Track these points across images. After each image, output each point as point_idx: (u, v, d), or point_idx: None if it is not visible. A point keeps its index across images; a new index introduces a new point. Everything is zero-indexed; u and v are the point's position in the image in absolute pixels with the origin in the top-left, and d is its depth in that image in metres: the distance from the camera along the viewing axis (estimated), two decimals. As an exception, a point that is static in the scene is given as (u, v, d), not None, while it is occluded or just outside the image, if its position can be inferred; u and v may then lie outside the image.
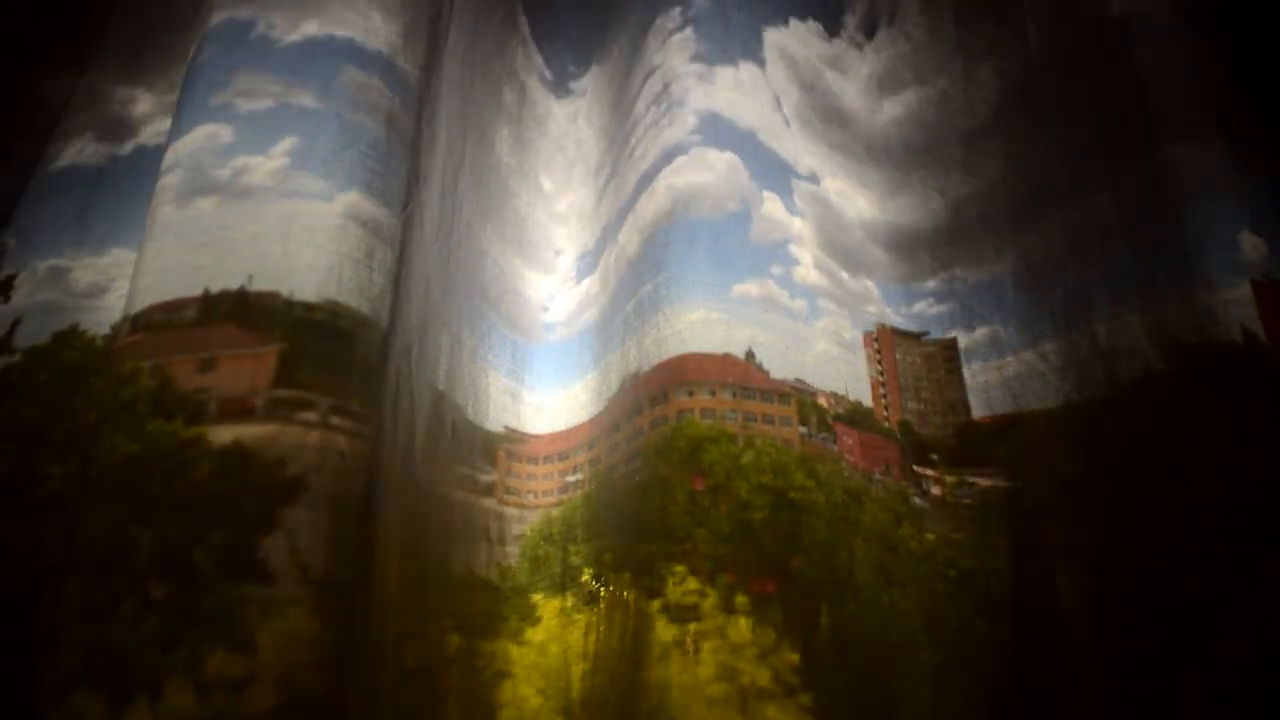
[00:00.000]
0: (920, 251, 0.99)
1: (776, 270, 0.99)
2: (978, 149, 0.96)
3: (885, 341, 1.01)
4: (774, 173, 1.04)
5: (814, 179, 1.06)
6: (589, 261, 1.10)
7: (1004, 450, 0.90)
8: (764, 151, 1.04)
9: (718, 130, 1.03)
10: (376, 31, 0.96)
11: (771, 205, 1.02)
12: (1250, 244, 0.89)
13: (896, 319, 1.01)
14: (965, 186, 0.96)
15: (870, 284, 1.03)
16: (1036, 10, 0.96)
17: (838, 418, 0.96)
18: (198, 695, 0.75)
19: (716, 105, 1.04)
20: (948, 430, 0.97)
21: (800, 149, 1.07)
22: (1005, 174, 0.94)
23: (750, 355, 0.95)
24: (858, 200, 1.05)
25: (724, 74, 1.06)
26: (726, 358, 0.94)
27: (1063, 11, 0.96)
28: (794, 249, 1.01)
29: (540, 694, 0.85)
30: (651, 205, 1.01)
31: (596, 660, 0.85)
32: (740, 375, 0.95)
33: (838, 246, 1.03)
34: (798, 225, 1.02)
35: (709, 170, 1.01)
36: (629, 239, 1.03)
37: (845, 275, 1.02)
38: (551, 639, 0.88)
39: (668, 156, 1.02)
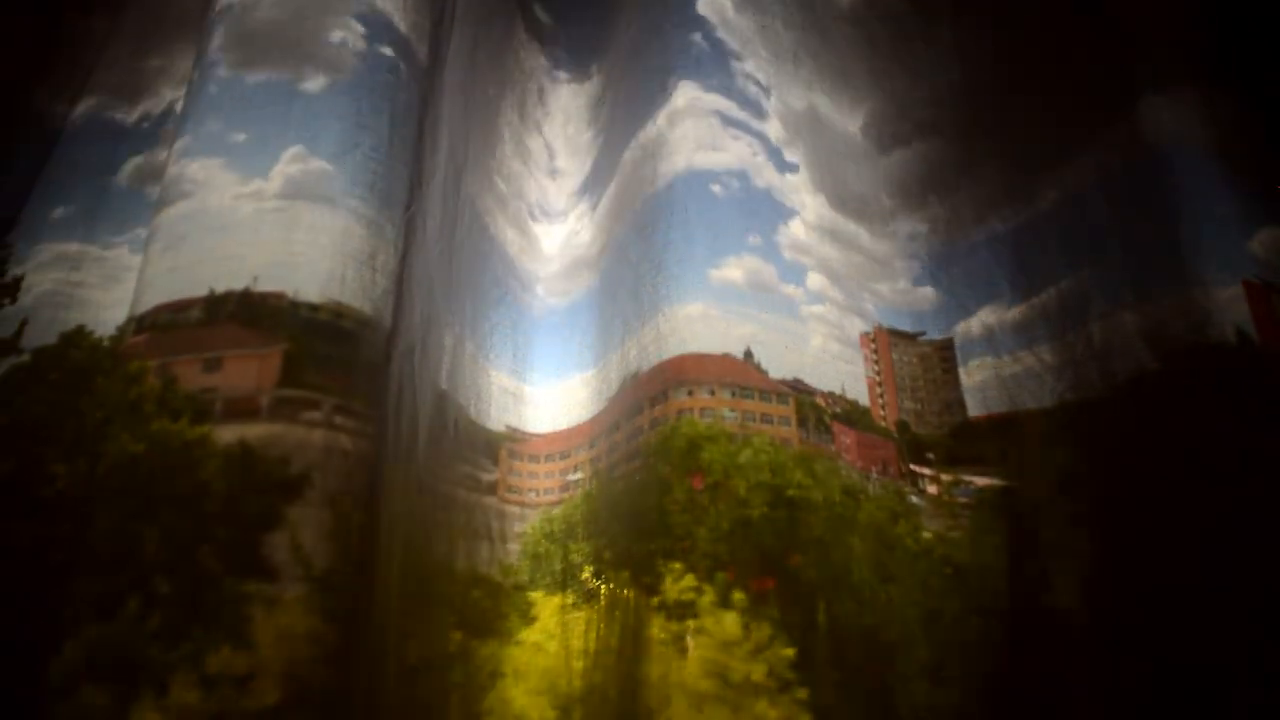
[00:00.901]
0: (917, 252, 1.00)
1: (775, 260, 1.00)
2: (973, 150, 0.97)
3: (882, 341, 1.02)
4: (766, 157, 1.05)
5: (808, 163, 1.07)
6: (590, 259, 1.10)
7: (1000, 449, 0.91)
8: (754, 137, 1.06)
9: (710, 119, 1.04)
10: (381, 37, 0.97)
11: (769, 185, 1.03)
12: (1259, 241, 0.89)
13: (893, 320, 1.02)
14: (961, 189, 0.97)
15: (865, 288, 1.03)
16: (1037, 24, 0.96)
17: (835, 417, 0.97)
18: (202, 690, 0.76)
19: (714, 101, 1.05)
20: (944, 429, 0.97)
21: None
22: (1000, 177, 0.95)
23: (749, 355, 0.96)
24: (852, 201, 1.06)
25: (715, 60, 1.07)
26: (725, 357, 0.95)
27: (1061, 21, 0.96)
28: (789, 236, 1.02)
29: (540, 690, 0.86)
30: (651, 198, 1.02)
31: (596, 657, 0.86)
32: (739, 375, 0.96)
33: (834, 239, 1.04)
34: (794, 202, 1.03)
35: (704, 155, 1.02)
36: (625, 234, 1.03)
37: (843, 271, 1.03)
38: (552, 636, 0.89)
39: (662, 149, 1.03)
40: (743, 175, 1.03)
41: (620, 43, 1.12)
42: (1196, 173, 0.92)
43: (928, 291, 0.99)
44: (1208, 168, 0.93)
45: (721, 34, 1.08)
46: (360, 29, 0.98)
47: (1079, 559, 0.82)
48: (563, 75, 1.18)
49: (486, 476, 0.98)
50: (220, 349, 0.87)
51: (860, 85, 1.08)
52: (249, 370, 0.87)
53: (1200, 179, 0.92)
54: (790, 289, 0.99)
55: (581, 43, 1.19)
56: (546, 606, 0.91)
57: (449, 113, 0.99)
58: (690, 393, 0.95)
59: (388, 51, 0.97)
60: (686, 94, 1.04)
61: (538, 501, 1.00)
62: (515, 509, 0.99)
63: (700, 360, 0.94)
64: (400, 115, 0.95)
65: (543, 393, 1.03)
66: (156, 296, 0.90)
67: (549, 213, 1.15)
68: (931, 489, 0.94)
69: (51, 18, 1.09)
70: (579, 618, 0.89)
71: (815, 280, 1.01)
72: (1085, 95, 0.93)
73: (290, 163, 0.94)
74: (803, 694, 0.80)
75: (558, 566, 0.94)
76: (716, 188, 1.02)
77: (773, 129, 1.06)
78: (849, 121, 1.08)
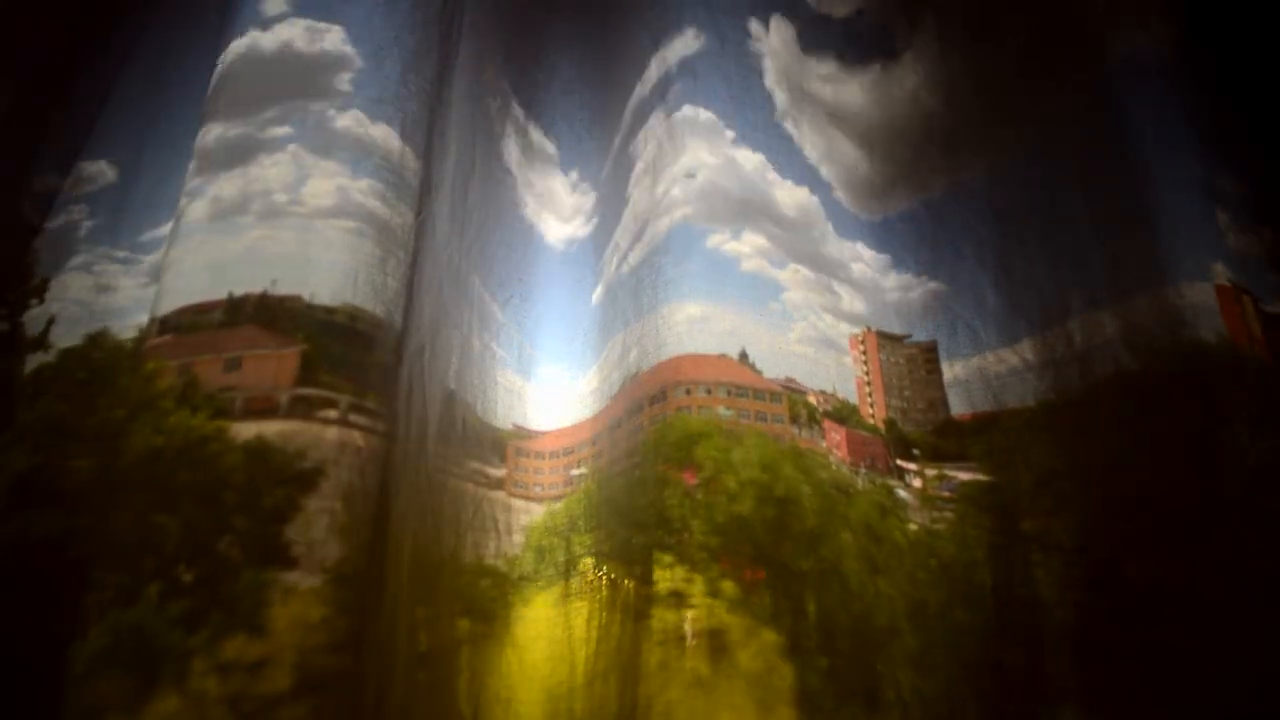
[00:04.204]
0: (905, 256, 1.02)
1: (771, 263, 1.03)
2: (958, 156, 1.00)
3: (871, 343, 1.05)
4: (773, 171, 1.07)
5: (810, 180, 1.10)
6: (592, 262, 1.12)
7: (983, 446, 0.94)
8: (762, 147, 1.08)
9: (711, 134, 1.07)
10: (390, 49, 1.00)
11: (766, 191, 1.06)
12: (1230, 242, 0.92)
13: (881, 323, 1.05)
14: (948, 195, 1.00)
15: (856, 291, 1.06)
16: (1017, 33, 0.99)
17: (826, 415, 1.00)
18: (219, 676, 0.78)
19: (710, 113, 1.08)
20: (929, 427, 1.00)
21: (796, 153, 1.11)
22: (984, 181, 0.98)
23: (744, 355, 0.99)
24: (844, 203, 1.09)
25: (714, 78, 1.10)
26: (721, 358, 0.98)
27: (1041, 33, 0.99)
28: (787, 240, 1.04)
29: (543, 676, 0.88)
30: (649, 205, 1.04)
31: (597, 644, 0.88)
32: (734, 375, 0.98)
33: (827, 251, 1.07)
34: (792, 206, 1.05)
35: (703, 161, 1.05)
36: (625, 238, 1.06)
37: (834, 284, 1.06)
38: (554, 624, 0.91)
39: (662, 154, 1.05)
40: (741, 178, 1.06)
41: (626, 63, 1.15)
42: (1175, 173, 0.94)
43: (915, 295, 1.02)
44: (1187, 168, 0.95)
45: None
46: (371, 40, 1.01)
47: (1059, 550, 0.84)
48: (566, 84, 1.21)
49: (494, 472, 1.00)
50: (240, 349, 0.90)
51: (858, 97, 1.10)
52: (268, 370, 0.90)
53: (1179, 179, 0.94)
54: (785, 292, 1.02)
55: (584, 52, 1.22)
56: (549, 596, 0.94)
57: (457, 119, 1.02)
58: (688, 391, 0.98)
59: (398, 63, 1.00)
60: (686, 100, 1.07)
61: (542, 496, 1.03)
62: (521, 503, 1.01)
63: (697, 360, 0.97)
64: (410, 124, 0.98)
65: (547, 392, 1.05)
66: (178, 299, 0.93)
67: (554, 216, 1.17)
68: (917, 484, 0.97)
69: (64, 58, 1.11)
70: (580, 607, 0.91)
71: (809, 283, 1.04)
72: (1073, 134, 0.96)
73: (305, 168, 0.97)
74: (792, 679, 0.83)
75: (560, 558, 0.96)
76: (715, 191, 1.05)
77: (771, 134, 1.09)
78: (847, 129, 1.11)
